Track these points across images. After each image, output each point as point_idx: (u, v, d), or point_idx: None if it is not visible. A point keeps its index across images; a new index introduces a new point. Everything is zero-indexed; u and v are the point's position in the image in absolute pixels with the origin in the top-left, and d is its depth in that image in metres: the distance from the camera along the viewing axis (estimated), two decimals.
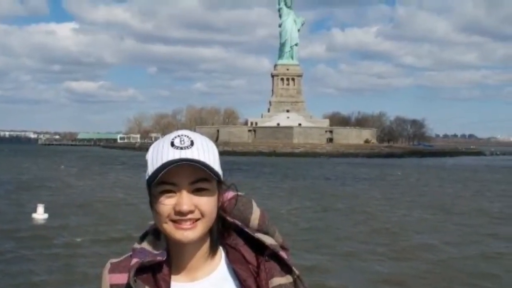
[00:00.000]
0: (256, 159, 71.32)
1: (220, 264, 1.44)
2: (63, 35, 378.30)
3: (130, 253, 1.42)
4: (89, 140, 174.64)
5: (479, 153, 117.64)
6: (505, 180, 39.99)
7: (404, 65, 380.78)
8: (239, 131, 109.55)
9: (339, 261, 12.96)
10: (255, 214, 1.46)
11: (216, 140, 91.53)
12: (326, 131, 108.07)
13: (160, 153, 1.34)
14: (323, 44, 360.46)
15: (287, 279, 1.41)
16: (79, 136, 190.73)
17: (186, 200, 1.32)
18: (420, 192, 30.20)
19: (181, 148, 1.33)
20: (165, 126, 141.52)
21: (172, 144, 1.34)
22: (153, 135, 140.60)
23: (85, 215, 19.40)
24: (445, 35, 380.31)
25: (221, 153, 1.41)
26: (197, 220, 1.34)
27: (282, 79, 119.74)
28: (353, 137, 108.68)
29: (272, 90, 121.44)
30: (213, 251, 1.43)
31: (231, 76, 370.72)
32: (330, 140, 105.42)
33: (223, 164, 1.42)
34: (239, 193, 1.49)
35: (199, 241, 1.38)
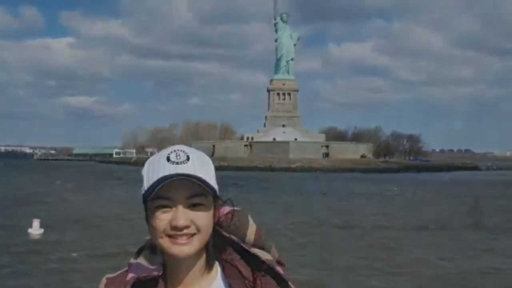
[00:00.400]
0: (252, 174, 71.26)
1: (216, 279, 1.43)
2: (59, 50, 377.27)
3: (126, 268, 1.42)
4: (84, 155, 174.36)
5: (475, 168, 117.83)
6: (501, 195, 40.00)
7: (400, 80, 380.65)
8: (235, 146, 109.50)
9: (336, 276, 12.92)
10: (251, 229, 1.46)
11: (212, 155, 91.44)
12: (322, 146, 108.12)
13: (156, 168, 1.34)
14: (319, 59, 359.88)
15: None
16: (75, 151, 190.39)
17: (182, 215, 1.32)
18: (416, 207, 30.18)
19: (177, 163, 1.33)
20: (161, 141, 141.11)
21: (168, 159, 1.34)
22: (149, 150, 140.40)
23: (81, 230, 19.34)
24: (441, 50, 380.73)
25: (217, 168, 1.42)
26: (193, 235, 1.34)
27: (278, 94, 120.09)
28: (349, 152, 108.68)
29: (268, 105, 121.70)
30: (209, 266, 1.43)
31: (227, 90, 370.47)
32: (326, 155, 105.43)
33: (219, 179, 1.42)
34: (235, 208, 1.48)
35: (195, 256, 1.38)
